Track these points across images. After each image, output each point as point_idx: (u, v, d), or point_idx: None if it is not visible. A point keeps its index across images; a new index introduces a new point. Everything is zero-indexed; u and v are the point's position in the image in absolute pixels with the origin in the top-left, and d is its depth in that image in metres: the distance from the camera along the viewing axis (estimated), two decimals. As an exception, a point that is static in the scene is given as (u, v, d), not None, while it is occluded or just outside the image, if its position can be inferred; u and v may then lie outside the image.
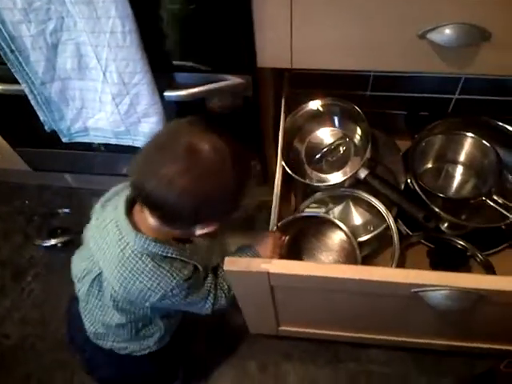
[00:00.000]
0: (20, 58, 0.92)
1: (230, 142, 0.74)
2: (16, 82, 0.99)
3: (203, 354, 1.32)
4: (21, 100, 1.04)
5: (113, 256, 0.79)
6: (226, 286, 0.89)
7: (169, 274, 0.78)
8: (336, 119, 1.18)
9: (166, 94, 0.97)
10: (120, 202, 0.80)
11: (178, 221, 0.75)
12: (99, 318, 0.90)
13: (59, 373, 1.31)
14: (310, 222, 1.09)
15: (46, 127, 1.08)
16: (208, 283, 0.86)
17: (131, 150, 1.21)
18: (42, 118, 1.05)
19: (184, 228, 0.78)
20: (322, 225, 1.08)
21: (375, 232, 1.12)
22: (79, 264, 0.90)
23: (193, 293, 0.83)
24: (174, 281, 0.78)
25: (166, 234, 0.78)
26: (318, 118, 1.16)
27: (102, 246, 0.81)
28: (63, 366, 1.31)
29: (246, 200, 0.79)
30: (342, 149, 1.18)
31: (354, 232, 1.07)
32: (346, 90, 1.18)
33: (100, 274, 0.85)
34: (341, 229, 1.04)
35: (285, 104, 1.12)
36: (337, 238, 1.09)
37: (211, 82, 0.98)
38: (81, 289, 0.90)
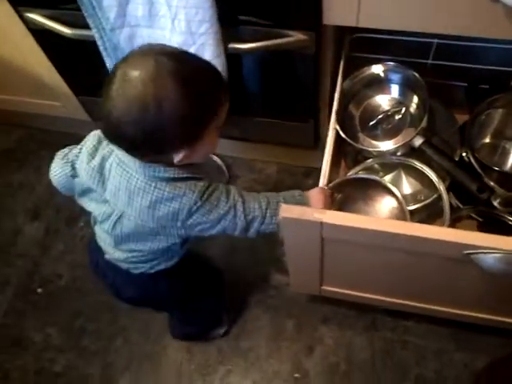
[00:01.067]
0: (94, 3, 0.95)
1: (180, 66, 0.71)
2: (86, 27, 1.03)
3: (242, 307, 1.36)
4: (89, 46, 1.08)
5: (130, 194, 0.81)
6: (257, 206, 0.85)
7: (188, 190, 0.79)
8: (394, 86, 1.17)
9: (231, 46, 0.99)
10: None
11: (139, 150, 0.75)
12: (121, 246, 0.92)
13: (105, 312, 1.38)
14: (361, 185, 1.09)
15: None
16: (232, 194, 0.84)
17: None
18: (108, 65, 1.09)
19: (157, 158, 0.77)
20: (373, 189, 1.08)
21: (426, 202, 1.11)
22: (96, 207, 0.91)
23: (218, 204, 0.82)
24: (195, 194, 0.79)
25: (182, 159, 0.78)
26: (376, 84, 1.16)
27: (114, 190, 0.83)
28: (108, 307, 1.38)
29: (217, 120, 0.77)
30: (397, 117, 1.18)
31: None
32: (407, 57, 1.16)
33: (121, 216, 0.85)
34: (392, 194, 1.04)
35: (343, 67, 1.12)
36: (387, 203, 1.09)
37: (275, 38, 0.99)
38: (103, 226, 0.91)
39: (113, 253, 0.95)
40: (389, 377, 1.24)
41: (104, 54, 1.06)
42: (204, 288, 1.14)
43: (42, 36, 1.19)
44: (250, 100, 1.22)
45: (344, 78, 1.13)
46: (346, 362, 1.27)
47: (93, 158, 0.85)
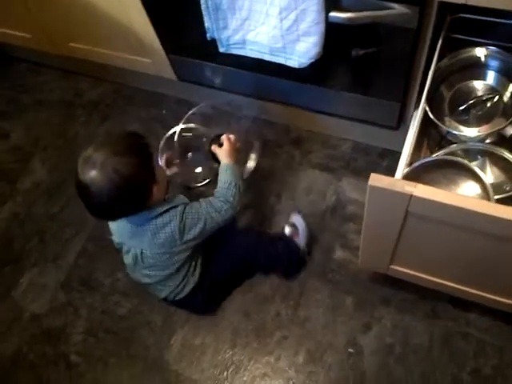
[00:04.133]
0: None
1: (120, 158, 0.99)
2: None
3: (302, 278, 1.38)
4: (190, 3, 1.11)
5: (137, 237, 1.15)
6: (230, 193, 1.17)
7: (172, 217, 1.10)
8: (491, 73, 1.14)
9: (332, 14, 0.99)
10: None
11: (130, 204, 1.06)
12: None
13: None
14: (445, 169, 1.07)
15: (207, 34, 1.14)
16: (201, 205, 1.16)
17: (280, 73, 1.26)
18: (206, 25, 1.12)
19: (142, 205, 1.08)
20: (457, 174, 1.06)
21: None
22: (117, 238, 1.25)
23: (197, 218, 1.14)
24: (177, 218, 1.10)
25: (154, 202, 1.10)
26: (473, 68, 1.13)
27: (127, 237, 1.19)
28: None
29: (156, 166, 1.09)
30: (489, 104, 1.14)
31: (488, 189, 1.05)
32: (506, 43, 1.12)
33: (141, 253, 1.17)
34: (478, 180, 1.02)
35: (441, 46, 1.10)
36: (470, 189, 1.06)
37: (378, 9, 0.98)
38: (126, 258, 1.25)
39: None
40: (444, 365, 1.23)
41: (205, 12, 1.09)
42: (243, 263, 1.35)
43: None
44: (340, 73, 1.22)
45: (439, 59, 1.11)
46: (401, 344, 1.27)
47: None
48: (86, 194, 1.00)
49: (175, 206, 1.12)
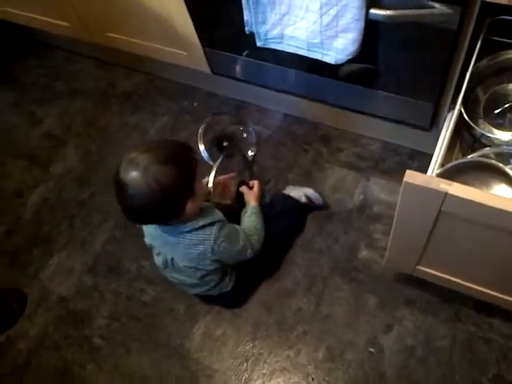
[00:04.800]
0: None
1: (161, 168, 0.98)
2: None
3: (325, 275, 1.39)
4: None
5: (171, 247, 1.17)
6: (256, 237, 1.22)
7: (206, 236, 1.11)
8: (529, 76, 1.13)
9: (372, 11, 0.99)
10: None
11: (162, 213, 1.05)
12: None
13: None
14: (478, 171, 1.06)
15: (246, 28, 1.16)
16: (240, 234, 1.18)
17: (313, 69, 1.27)
18: (245, 18, 1.13)
19: (174, 216, 1.06)
20: (490, 177, 1.05)
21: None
22: (149, 240, 1.25)
23: (232, 242, 1.15)
24: (212, 238, 1.11)
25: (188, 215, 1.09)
26: (509, 71, 1.13)
27: (159, 243, 1.21)
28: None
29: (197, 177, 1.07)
30: (525, 108, 1.13)
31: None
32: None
33: (172, 259, 1.20)
34: (512, 184, 1.01)
35: (479, 48, 1.09)
36: (504, 193, 1.05)
37: (419, 8, 0.98)
38: (156, 259, 1.27)
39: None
40: (465, 369, 1.22)
41: (245, 6, 1.10)
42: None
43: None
44: (375, 71, 1.22)
45: (476, 61, 1.10)
46: (423, 347, 1.26)
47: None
48: (122, 193, 1.00)
49: (211, 224, 1.12)
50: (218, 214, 1.15)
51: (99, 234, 1.56)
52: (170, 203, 1.02)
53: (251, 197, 1.31)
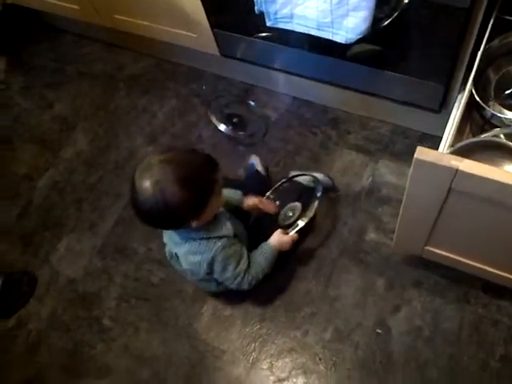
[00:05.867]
0: None
1: (179, 170, 0.98)
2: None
3: (334, 257, 1.39)
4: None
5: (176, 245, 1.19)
6: (254, 273, 1.21)
7: (207, 249, 1.12)
8: (541, 56, 1.11)
9: (383, -11, 0.98)
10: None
11: (165, 224, 1.11)
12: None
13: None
14: (488, 151, 1.06)
15: (255, 7, 1.15)
16: (242, 260, 1.18)
17: (326, 50, 1.26)
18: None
19: (183, 226, 1.08)
20: (501, 157, 1.05)
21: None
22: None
23: (227, 267, 1.16)
24: (212, 252, 1.12)
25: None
26: (522, 50, 1.11)
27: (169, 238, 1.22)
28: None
29: (216, 193, 1.06)
30: (537, 89, 1.12)
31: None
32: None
33: (176, 254, 1.21)
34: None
35: (491, 27, 1.08)
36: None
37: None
38: (167, 252, 1.29)
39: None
40: (473, 351, 1.23)
41: (255, -15, 1.10)
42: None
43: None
44: (385, 52, 1.21)
45: (488, 41, 1.09)
46: (430, 328, 1.27)
47: None
48: (133, 195, 1.01)
49: (218, 238, 1.13)
50: (228, 229, 1.15)
51: (108, 217, 1.57)
52: (172, 220, 1.05)
53: (277, 239, 1.26)
